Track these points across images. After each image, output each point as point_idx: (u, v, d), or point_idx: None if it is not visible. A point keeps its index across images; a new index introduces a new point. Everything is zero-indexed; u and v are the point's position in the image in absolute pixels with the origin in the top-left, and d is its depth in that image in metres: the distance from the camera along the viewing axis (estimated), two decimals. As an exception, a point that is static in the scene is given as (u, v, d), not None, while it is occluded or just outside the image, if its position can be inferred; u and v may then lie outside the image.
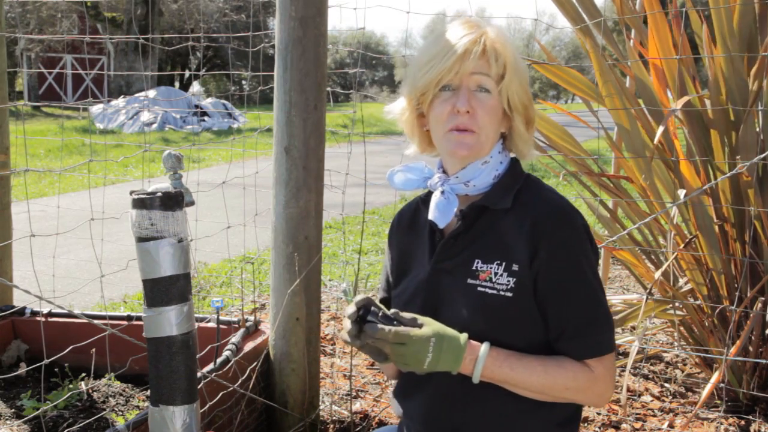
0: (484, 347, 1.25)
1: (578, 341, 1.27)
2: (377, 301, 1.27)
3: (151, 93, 16.44)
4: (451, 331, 1.24)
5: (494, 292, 1.28)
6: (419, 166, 1.42)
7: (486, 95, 1.29)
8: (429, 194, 1.42)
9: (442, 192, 1.35)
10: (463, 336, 1.24)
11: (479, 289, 1.29)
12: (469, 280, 1.31)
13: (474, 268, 1.31)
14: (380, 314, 1.24)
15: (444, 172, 1.39)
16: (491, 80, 1.29)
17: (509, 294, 1.27)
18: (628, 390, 2.94)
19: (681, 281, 2.95)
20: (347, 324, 1.25)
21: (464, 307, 1.30)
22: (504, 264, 1.28)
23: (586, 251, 1.29)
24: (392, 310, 1.25)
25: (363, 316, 1.24)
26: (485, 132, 1.30)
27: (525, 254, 1.27)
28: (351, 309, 1.24)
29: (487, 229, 1.33)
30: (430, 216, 1.35)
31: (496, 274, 1.28)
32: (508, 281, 1.27)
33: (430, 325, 1.23)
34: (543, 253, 1.26)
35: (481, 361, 1.24)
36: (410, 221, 1.49)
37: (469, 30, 1.29)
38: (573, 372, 1.26)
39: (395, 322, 1.23)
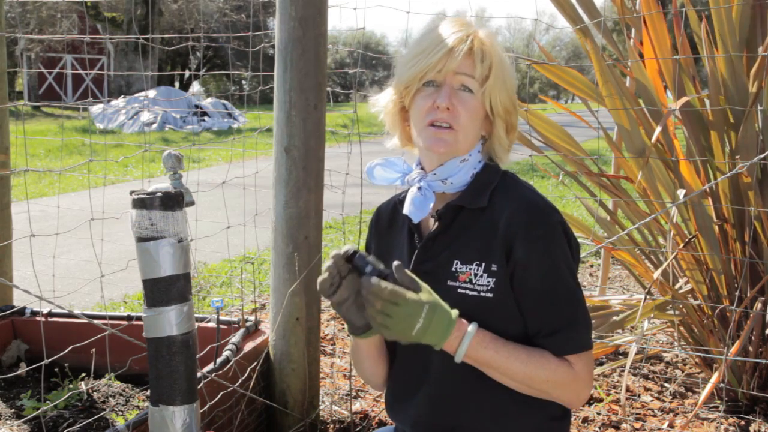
0: (471, 326, 1.23)
1: (558, 337, 1.26)
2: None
3: (151, 93, 16.44)
4: (444, 304, 1.21)
5: (475, 293, 1.27)
6: (398, 161, 1.41)
7: (468, 95, 1.28)
8: (407, 193, 1.41)
9: (419, 188, 1.35)
10: (455, 312, 1.22)
11: (459, 290, 1.28)
12: (449, 282, 1.29)
13: (453, 269, 1.30)
14: (369, 262, 1.19)
15: (422, 168, 1.38)
16: (475, 81, 1.28)
17: (490, 295, 1.26)
18: (628, 390, 2.94)
19: (681, 281, 2.95)
20: (330, 264, 1.20)
21: None
22: (484, 264, 1.27)
23: (562, 248, 1.28)
24: (395, 263, 1.20)
25: (350, 260, 1.20)
26: (464, 131, 1.29)
27: (502, 253, 1.26)
28: (341, 250, 1.20)
29: (464, 230, 1.32)
30: (405, 210, 1.35)
31: (476, 275, 1.27)
32: (488, 282, 1.26)
33: (427, 292, 1.20)
34: (518, 252, 1.25)
35: (467, 338, 1.22)
36: (389, 221, 1.48)
37: (459, 28, 1.29)
38: (555, 365, 1.25)
39: (384, 271, 1.19)
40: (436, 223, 1.35)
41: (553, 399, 1.29)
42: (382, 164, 1.42)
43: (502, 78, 1.30)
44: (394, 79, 1.37)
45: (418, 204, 1.33)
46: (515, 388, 1.27)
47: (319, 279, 1.23)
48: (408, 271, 1.20)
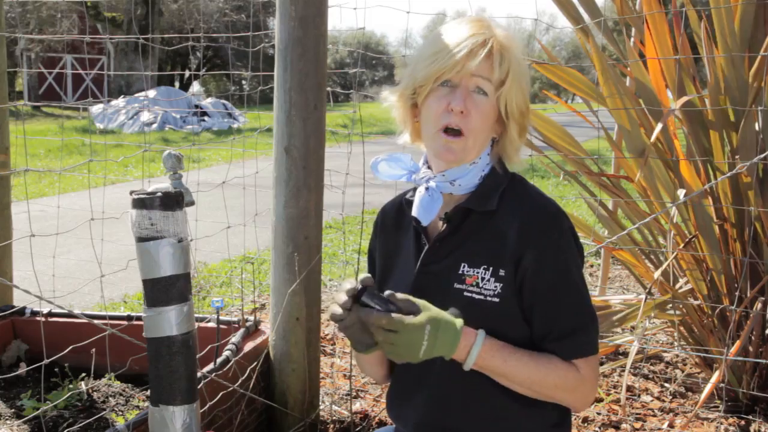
0: (480, 335, 1.23)
1: (566, 342, 1.26)
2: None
3: (151, 93, 16.44)
4: (446, 316, 1.20)
5: (481, 297, 1.27)
6: (404, 157, 1.40)
7: (483, 98, 1.27)
8: (413, 192, 1.40)
9: (427, 188, 1.33)
10: (459, 321, 1.21)
11: (466, 294, 1.28)
12: (456, 285, 1.29)
13: (460, 272, 1.29)
14: (375, 296, 1.19)
15: (429, 167, 1.37)
16: (491, 84, 1.27)
17: (496, 299, 1.26)
18: (628, 390, 2.94)
19: (681, 281, 2.95)
20: (341, 297, 1.19)
21: None
22: (491, 269, 1.27)
23: (573, 254, 1.28)
24: (387, 292, 1.20)
25: (359, 296, 1.19)
26: (474, 135, 1.28)
27: (512, 258, 1.26)
28: (351, 284, 1.19)
29: (473, 232, 1.31)
30: (414, 212, 1.34)
31: (483, 279, 1.27)
32: (495, 287, 1.26)
33: (425, 311, 1.18)
34: (530, 258, 1.25)
35: (476, 348, 1.22)
36: (395, 221, 1.47)
37: (479, 30, 1.27)
38: (563, 371, 1.25)
39: (391, 305, 1.18)
40: (445, 226, 1.34)
41: (559, 402, 1.29)
42: (388, 160, 1.40)
43: (518, 81, 1.29)
44: (405, 75, 1.35)
45: (426, 206, 1.32)
46: (522, 392, 1.27)
47: (334, 305, 1.22)
48: (401, 295, 1.19)
